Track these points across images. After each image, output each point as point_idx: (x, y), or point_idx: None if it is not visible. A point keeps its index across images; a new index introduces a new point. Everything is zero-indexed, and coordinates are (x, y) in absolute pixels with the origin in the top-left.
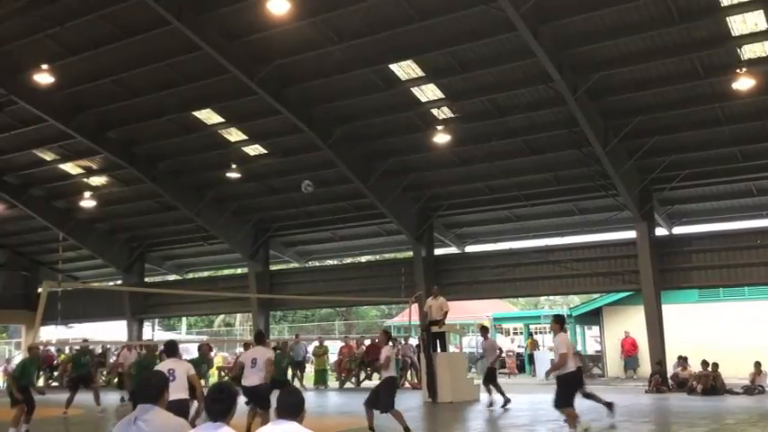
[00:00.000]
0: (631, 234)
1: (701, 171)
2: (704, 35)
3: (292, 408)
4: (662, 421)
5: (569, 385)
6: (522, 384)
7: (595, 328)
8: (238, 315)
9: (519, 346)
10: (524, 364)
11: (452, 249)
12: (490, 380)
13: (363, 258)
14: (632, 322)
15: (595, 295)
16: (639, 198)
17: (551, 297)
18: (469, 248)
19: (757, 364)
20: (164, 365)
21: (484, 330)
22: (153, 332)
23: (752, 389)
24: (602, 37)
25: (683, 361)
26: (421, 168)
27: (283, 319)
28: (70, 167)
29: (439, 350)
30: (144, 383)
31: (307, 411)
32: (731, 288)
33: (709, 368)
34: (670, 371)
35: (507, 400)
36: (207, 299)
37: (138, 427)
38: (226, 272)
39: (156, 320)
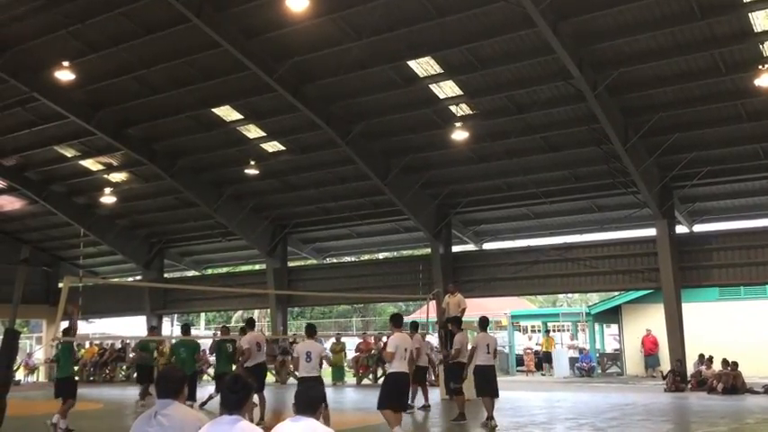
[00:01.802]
0: (651, 232)
1: (722, 168)
2: (726, 31)
3: (310, 403)
4: (681, 420)
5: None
6: (540, 382)
7: (614, 327)
8: (256, 311)
9: (536, 344)
10: (541, 362)
11: (470, 246)
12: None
13: (381, 255)
14: (652, 320)
15: (614, 293)
16: (660, 195)
17: (570, 295)
18: (487, 246)
19: None
20: (302, 347)
21: (457, 322)
22: (172, 327)
23: None
24: (622, 33)
25: (707, 360)
26: (439, 165)
27: (301, 315)
28: (91, 164)
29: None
30: (164, 378)
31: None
32: (752, 286)
33: (729, 367)
34: (690, 369)
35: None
36: (225, 295)
37: (159, 421)
38: (244, 268)
39: (176, 316)
